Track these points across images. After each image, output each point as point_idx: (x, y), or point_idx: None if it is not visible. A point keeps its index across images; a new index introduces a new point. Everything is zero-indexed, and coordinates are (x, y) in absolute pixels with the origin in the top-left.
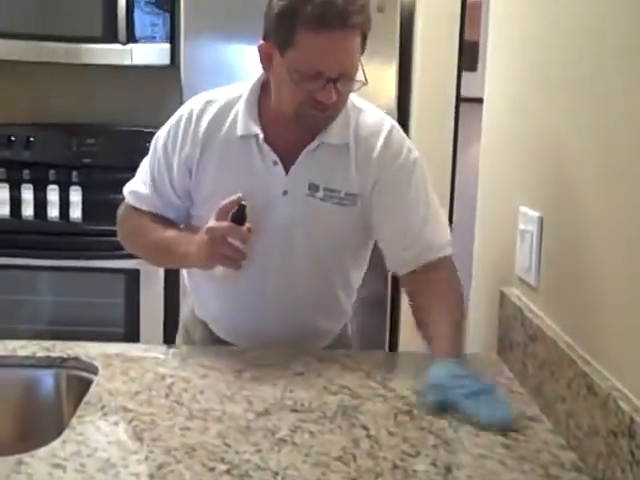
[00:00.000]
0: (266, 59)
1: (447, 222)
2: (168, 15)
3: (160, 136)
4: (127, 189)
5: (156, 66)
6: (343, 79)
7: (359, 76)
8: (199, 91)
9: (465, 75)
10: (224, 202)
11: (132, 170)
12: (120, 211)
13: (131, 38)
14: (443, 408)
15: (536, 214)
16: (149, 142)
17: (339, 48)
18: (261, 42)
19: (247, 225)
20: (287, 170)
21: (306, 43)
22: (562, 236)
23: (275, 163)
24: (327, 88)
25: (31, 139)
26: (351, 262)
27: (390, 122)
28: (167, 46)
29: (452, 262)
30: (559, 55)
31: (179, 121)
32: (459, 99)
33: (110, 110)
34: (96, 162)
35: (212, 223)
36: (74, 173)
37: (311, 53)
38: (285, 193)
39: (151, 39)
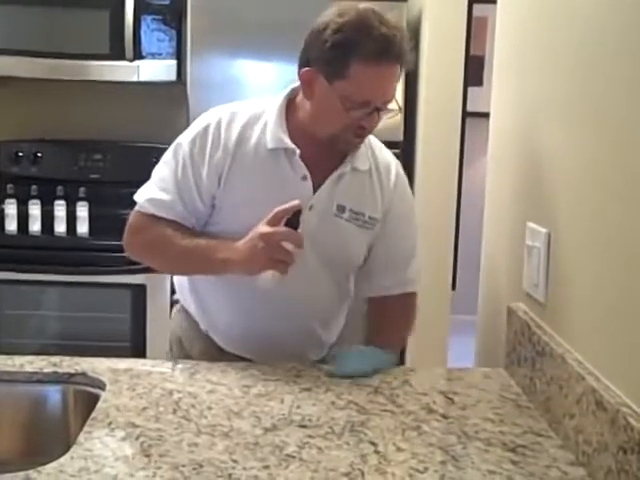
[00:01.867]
0: (308, 85)
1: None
2: (175, 32)
3: (183, 143)
4: (143, 197)
5: (163, 82)
6: (384, 107)
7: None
8: (206, 107)
9: (471, 90)
10: (278, 208)
11: (139, 185)
12: (132, 221)
13: (138, 55)
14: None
15: (543, 230)
16: (156, 157)
17: (389, 80)
18: (306, 69)
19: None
20: (314, 187)
21: (360, 75)
22: (570, 252)
23: (305, 178)
24: (372, 116)
25: (39, 155)
26: (352, 277)
27: (393, 156)
28: (174, 62)
29: (416, 298)
30: (565, 70)
31: (207, 128)
32: (465, 113)
33: (117, 126)
34: (103, 178)
35: (266, 229)
36: (81, 189)
37: (364, 84)
38: (311, 208)
39: (158, 55)
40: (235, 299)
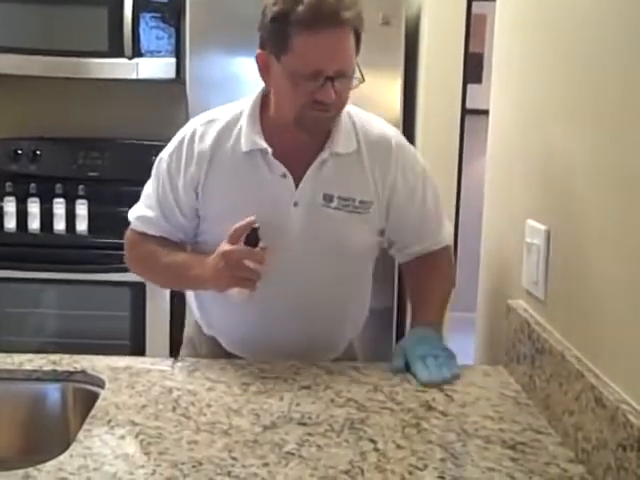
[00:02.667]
0: (264, 68)
1: (446, 216)
2: (174, 29)
3: (163, 158)
4: (133, 215)
5: (162, 80)
6: (340, 77)
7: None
8: (204, 104)
9: (470, 87)
10: (235, 226)
11: (137, 183)
12: (126, 237)
13: (137, 52)
14: (403, 369)
15: (543, 227)
16: (154, 155)
17: (333, 46)
18: (258, 51)
19: (261, 245)
20: (296, 181)
21: (301, 44)
22: (569, 249)
23: (284, 176)
24: (326, 87)
25: (37, 153)
26: (364, 276)
27: (395, 131)
28: (173, 60)
29: (450, 250)
30: (564, 68)
31: (181, 142)
32: (464, 111)
33: (116, 124)
34: (102, 175)
35: (226, 247)
36: (80, 186)
37: (307, 53)
38: (296, 204)
39: (157, 53)
40: (234, 305)
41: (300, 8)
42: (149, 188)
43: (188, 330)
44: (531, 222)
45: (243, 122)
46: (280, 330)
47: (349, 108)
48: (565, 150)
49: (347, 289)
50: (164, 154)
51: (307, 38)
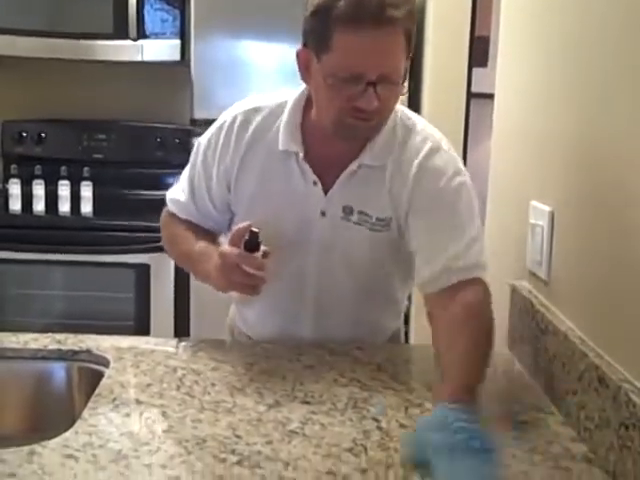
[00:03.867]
0: (304, 67)
1: (483, 245)
2: (178, 11)
3: (201, 143)
4: (169, 195)
5: (166, 62)
6: (384, 83)
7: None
8: (209, 87)
9: (475, 71)
10: (236, 227)
11: (142, 165)
12: (162, 217)
13: (142, 34)
14: (417, 462)
15: (547, 208)
16: (159, 137)
17: (378, 47)
18: (299, 48)
19: (263, 249)
20: (325, 190)
21: (341, 43)
22: (573, 230)
23: (315, 183)
24: (367, 93)
25: (42, 135)
26: (397, 280)
27: (433, 142)
28: (177, 42)
29: (484, 286)
30: (571, 50)
31: (221, 129)
32: (470, 95)
33: (120, 106)
34: (107, 158)
35: (225, 248)
36: (85, 168)
37: (347, 53)
38: (323, 214)
39: (161, 35)
40: (261, 307)
41: (342, 3)
42: (185, 171)
43: (230, 316)
44: (535, 203)
45: (284, 116)
46: (306, 332)
47: (400, 114)
48: (569, 132)
49: (375, 297)
50: (203, 139)
51: (348, 37)
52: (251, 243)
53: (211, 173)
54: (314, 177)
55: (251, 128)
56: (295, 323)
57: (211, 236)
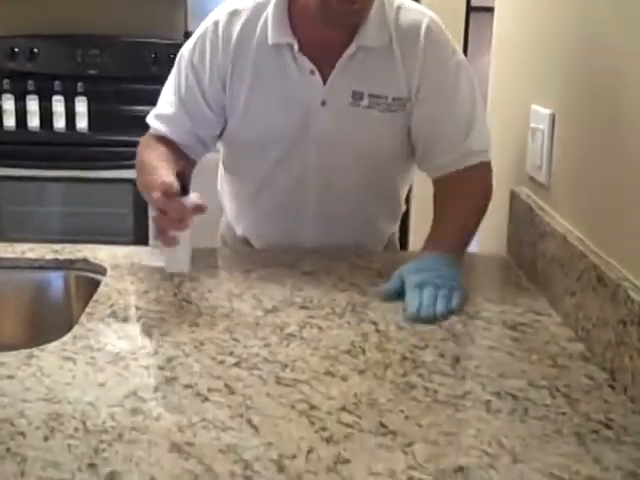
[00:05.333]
0: None
1: (487, 127)
2: None
3: (184, 53)
4: (152, 114)
5: None
6: None
7: None
8: (204, 2)
9: None
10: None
11: (137, 81)
12: (140, 143)
13: None
14: (393, 296)
15: (548, 111)
16: (154, 53)
17: None
18: None
19: (193, 197)
20: (324, 79)
21: None
22: (574, 132)
23: (312, 73)
24: None
25: (35, 50)
26: (398, 178)
27: (429, 17)
28: None
29: (488, 169)
30: None
31: (204, 34)
32: (469, 8)
33: (115, 21)
34: (101, 73)
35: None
36: (79, 84)
37: None
38: (324, 104)
39: None
40: (262, 203)
41: None
42: (169, 86)
43: (222, 230)
44: (536, 107)
45: (269, 12)
46: (308, 233)
47: None
48: (568, 33)
49: (379, 194)
50: (185, 49)
51: None
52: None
53: (202, 77)
54: (311, 66)
55: (236, 30)
56: (297, 225)
57: (180, 168)
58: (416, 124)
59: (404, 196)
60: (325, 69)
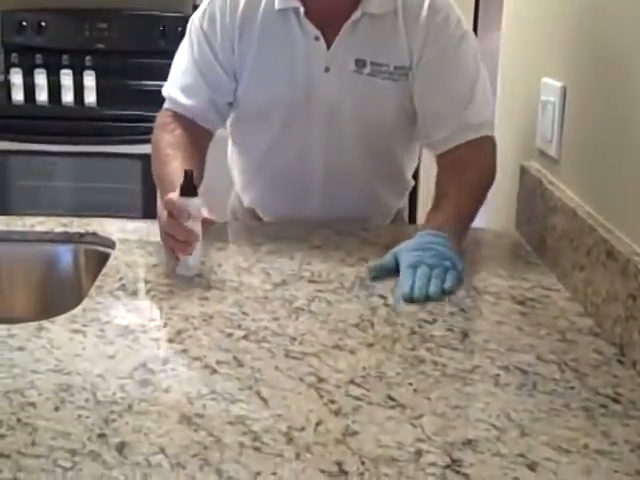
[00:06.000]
0: None
1: (491, 100)
2: None
3: (194, 20)
4: (167, 87)
5: None
6: None
7: None
8: None
9: None
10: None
11: (145, 55)
12: (157, 119)
13: None
14: (388, 273)
15: (559, 84)
16: (162, 26)
17: None
18: None
19: (198, 204)
20: (329, 45)
21: None
22: (585, 105)
23: (317, 38)
24: None
25: (42, 24)
26: (401, 150)
27: None
28: None
29: (491, 143)
30: None
31: (213, 1)
32: None
33: None
34: (109, 47)
35: (160, 209)
36: (87, 57)
37: None
38: (327, 70)
39: None
40: (268, 172)
41: None
42: (182, 55)
43: (231, 202)
44: (546, 80)
45: None
46: (313, 205)
47: None
48: (580, 5)
49: (383, 167)
50: (195, 15)
51: None
52: (187, 186)
53: (213, 42)
54: (316, 32)
55: None
56: (302, 196)
57: (189, 157)
58: (418, 93)
59: (410, 172)
60: (330, 36)
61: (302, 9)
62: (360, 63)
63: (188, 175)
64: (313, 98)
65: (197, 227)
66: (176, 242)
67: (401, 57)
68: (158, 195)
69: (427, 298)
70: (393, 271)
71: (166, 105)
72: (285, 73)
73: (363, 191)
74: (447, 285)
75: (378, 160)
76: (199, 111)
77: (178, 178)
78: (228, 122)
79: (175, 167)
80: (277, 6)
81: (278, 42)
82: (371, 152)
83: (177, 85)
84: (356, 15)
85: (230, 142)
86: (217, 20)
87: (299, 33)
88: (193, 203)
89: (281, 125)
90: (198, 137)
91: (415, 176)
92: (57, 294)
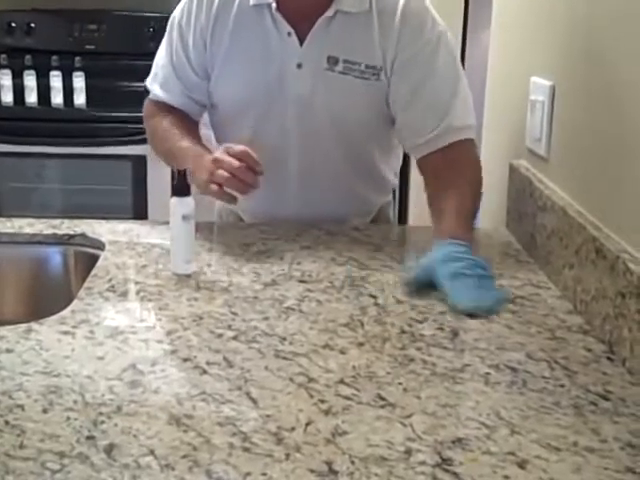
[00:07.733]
0: None
1: (471, 102)
2: None
3: (174, 16)
4: (149, 79)
5: None
6: None
7: None
8: None
9: None
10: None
11: (134, 56)
12: (144, 108)
13: None
14: (425, 287)
15: (548, 83)
16: (151, 28)
17: None
18: None
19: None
20: (302, 42)
21: None
22: (574, 104)
23: (289, 34)
24: None
25: (32, 25)
26: (378, 150)
27: None
28: None
29: (473, 145)
30: None
31: None
32: None
33: None
34: (99, 48)
35: (219, 156)
36: (77, 59)
37: None
38: (299, 66)
39: None
40: None
41: None
42: (162, 48)
43: (217, 202)
44: (535, 79)
45: None
46: (290, 202)
47: None
48: (569, 5)
49: (357, 164)
50: (176, 11)
51: None
52: (181, 186)
53: (187, 40)
54: (288, 28)
55: None
56: (279, 194)
57: (191, 133)
58: (393, 97)
59: (391, 170)
60: (303, 32)
61: (274, 4)
62: (332, 60)
63: (181, 175)
64: (286, 94)
65: (191, 227)
66: (240, 184)
67: (373, 57)
68: (190, 158)
69: (489, 310)
70: (428, 284)
71: (150, 95)
72: (258, 69)
73: (340, 188)
74: (500, 296)
75: (354, 158)
76: (178, 104)
77: (200, 145)
78: (209, 121)
79: (184, 142)
80: (251, 2)
81: (251, 37)
82: (346, 149)
83: (156, 79)
84: (329, 12)
85: (213, 140)
86: (192, 16)
87: (272, 29)
88: (187, 202)
89: (255, 122)
90: (189, 117)
91: (405, 176)
92: (46, 296)
